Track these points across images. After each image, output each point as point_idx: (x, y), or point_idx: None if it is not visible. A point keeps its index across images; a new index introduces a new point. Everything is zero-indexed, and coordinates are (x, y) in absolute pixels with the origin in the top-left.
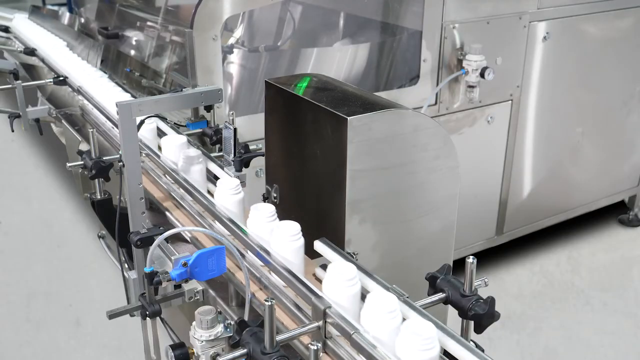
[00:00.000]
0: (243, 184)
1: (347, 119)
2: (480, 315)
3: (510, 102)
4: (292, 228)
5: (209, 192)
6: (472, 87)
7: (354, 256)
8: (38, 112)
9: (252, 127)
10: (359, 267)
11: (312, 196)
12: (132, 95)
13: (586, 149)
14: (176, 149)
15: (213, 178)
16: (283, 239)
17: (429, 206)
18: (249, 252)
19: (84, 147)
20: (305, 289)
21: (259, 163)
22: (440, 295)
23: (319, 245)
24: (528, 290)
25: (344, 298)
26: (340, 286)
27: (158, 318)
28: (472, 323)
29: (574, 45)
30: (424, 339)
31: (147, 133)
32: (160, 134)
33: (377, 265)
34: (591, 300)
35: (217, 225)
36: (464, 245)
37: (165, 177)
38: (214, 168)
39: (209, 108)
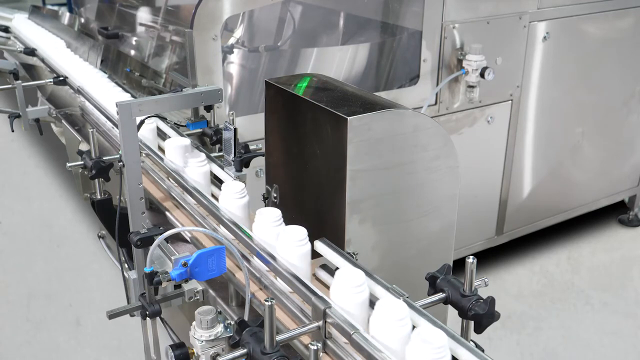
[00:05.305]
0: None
1: (347, 119)
2: (480, 315)
3: (510, 102)
4: (299, 233)
5: (213, 195)
6: (472, 87)
7: (354, 256)
8: (38, 112)
9: (252, 127)
10: (359, 267)
11: (312, 196)
12: (132, 95)
13: (586, 149)
14: (179, 151)
15: (214, 179)
16: (290, 244)
17: (429, 206)
18: (251, 255)
19: (84, 147)
20: (305, 289)
21: (259, 163)
22: (440, 295)
23: (319, 245)
24: (528, 290)
25: (352, 305)
26: (349, 293)
27: (158, 318)
28: (472, 323)
29: (574, 45)
30: (436, 347)
31: (147, 133)
32: (160, 133)
33: (377, 265)
34: (591, 300)
35: (222, 229)
36: (464, 245)
37: (169, 179)
38: (216, 169)
39: (209, 108)
